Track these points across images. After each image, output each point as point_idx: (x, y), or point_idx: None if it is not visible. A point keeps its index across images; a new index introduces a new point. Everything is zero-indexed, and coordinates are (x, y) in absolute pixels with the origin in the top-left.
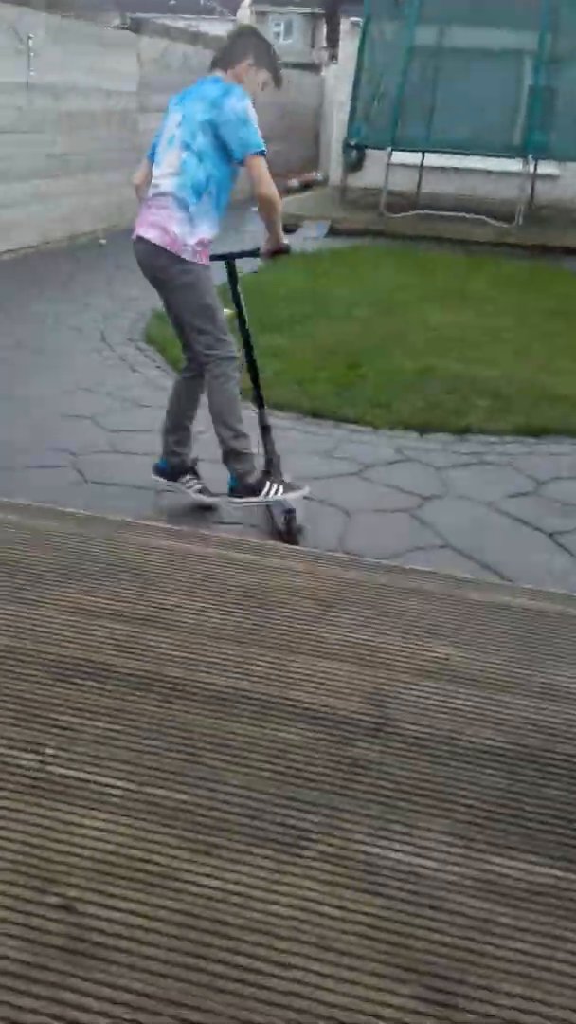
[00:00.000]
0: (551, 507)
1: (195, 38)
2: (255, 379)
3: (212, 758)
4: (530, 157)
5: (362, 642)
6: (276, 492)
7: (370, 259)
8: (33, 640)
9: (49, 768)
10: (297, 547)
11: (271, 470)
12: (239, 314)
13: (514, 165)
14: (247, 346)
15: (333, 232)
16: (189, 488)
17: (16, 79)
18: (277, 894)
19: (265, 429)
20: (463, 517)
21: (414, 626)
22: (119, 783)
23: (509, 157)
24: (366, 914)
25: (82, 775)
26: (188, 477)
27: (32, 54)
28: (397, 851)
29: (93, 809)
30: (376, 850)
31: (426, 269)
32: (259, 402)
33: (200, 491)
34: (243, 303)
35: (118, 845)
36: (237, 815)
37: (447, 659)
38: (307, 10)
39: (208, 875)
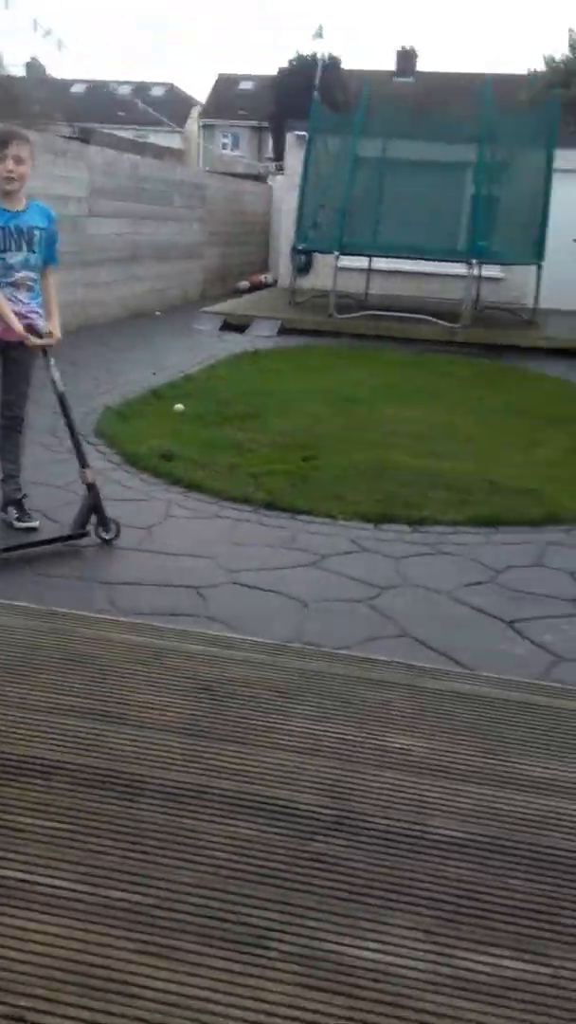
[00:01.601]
0: (508, 595)
1: (143, 148)
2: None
3: (169, 856)
4: (474, 261)
5: (322, 733)
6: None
7: (321, 357)
8: None
9: None
10: (256, 639)
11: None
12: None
13: (459, 268)
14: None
15: (284, 331)
16: (12, 517)
17: None
18: (238, 997)
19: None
20: (420, 606)
21: (373, 716)
22: (72, 885)
23: (454, 261)
24: (331, 1015)
25: (31, 878)
26: (10, 508)
27: None
28: (362, 948)
29: (45, 913)
30: (340, 948)
31: (375, 367)
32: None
33: (18, 519)
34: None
35: (71, 951)
36: (195, 915)
37: (408, 750)
38: (253, 123)
39: (165, 979)
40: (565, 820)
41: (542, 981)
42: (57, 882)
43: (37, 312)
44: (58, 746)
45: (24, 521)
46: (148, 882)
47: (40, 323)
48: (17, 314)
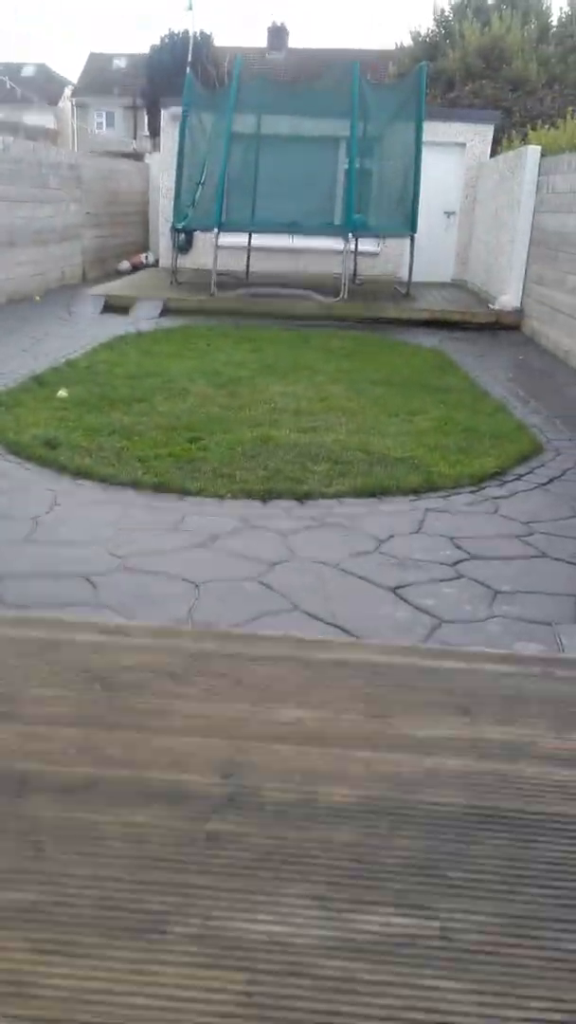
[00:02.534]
0: (391, 563)
1: (15, 129)
2: None
3: (61, 851)
4: (350, 235)
5: (215, 713)
6: None
7: (204, 337)
8: None
9: None
10: (147, 624)
11: None
12: None
13: (336, 243)
14: None
15: (166, 312)
16: None
17: None
18: (139, 985)
19: None
20: (309, 579)
21: (265, 692)
22: None
23: (331, 236)
24: (230, 992)
25: None
26: None
27: None
28: (258, 922)
29: None
30: (237, 924)
31: (259, 344)
32: None
33: None
34: None
35: None
36: (92, 908)
37: (298, 721)
38: (127, 102)
39: (65, 976)
40: (447, 776)
41: (429, 934)
42: None
43: None
44: None
45: None
46: (43, 879)
47: None
48: None
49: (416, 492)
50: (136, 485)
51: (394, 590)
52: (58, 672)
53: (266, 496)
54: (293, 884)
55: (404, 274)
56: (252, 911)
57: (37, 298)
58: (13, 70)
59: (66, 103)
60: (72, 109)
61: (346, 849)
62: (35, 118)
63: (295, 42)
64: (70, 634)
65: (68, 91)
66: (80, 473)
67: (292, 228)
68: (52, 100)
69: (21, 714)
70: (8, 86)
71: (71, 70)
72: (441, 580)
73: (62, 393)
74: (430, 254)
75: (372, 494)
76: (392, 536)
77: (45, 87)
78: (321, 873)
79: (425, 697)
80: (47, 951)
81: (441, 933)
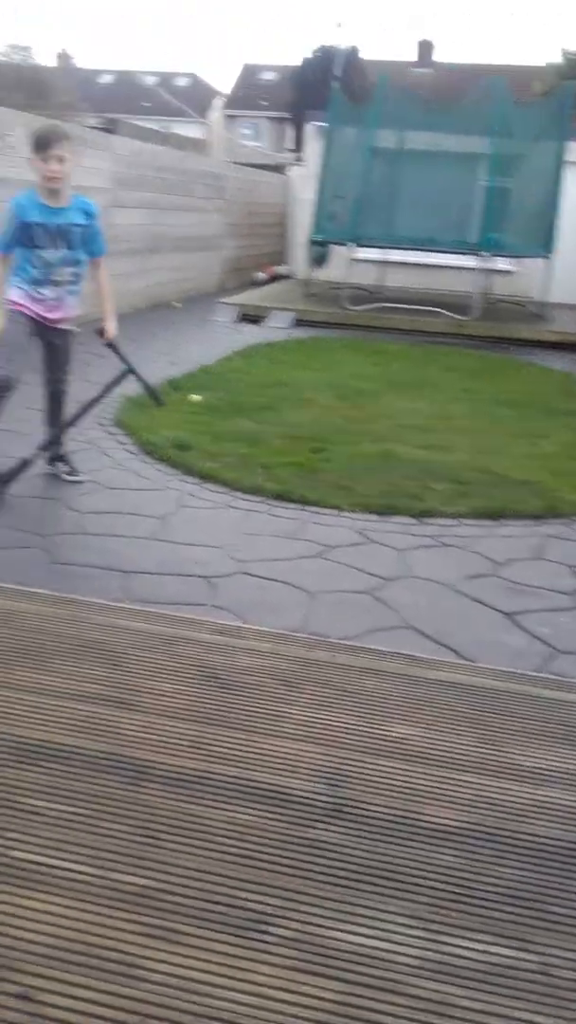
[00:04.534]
0: (508, 588)
1: (166, 138)
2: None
3: (172, 841)
4: (485, 253)
5: (323, 722)
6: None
7: (333, 349)
8: None
9: (12, 853)
10: (262, 628)
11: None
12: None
13: (471, 261)
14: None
15: (298, 323)
16: (61, 470)
17: None
18: (236, 980)
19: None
20: (423, 598)
21: (373, 706)
22: (81, 868)
23: (465, 253)
24: (325, 1000)
25: (44, 860)
26: (60, 464)
27: (10, 151)
28: (356, 934)
29: (55, 895)
30: (335, 933)
31: (386, 359)
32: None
33: (67, 473)
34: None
35: (78, 931)
36: (196, 899)
37: (405, 739)
38: (274, 114)
39: (167, 962)
40: (557, 810)
41: (529, 968)
42: (67, 864)
43: (61, 304)
44: (72, 731)
45: (74, 475)
46: (153, 866)
47: (58, 314)
48: (39, 302)
49: (537, 517)
50: (259, 491)
51: (509, 616)
52: (177, 668)
53: (384, 511)
54: (393, 901)
55: (539, 294)
56: (351, 923)
57: (176, 304)
58: (167, 80)
59: (216, 114)
60: (221, 119)
61: (448, 872)
62: (186, 128)
63: (442, 56)
64: (190, 632)
65: (218, 102)
66: (207, 476)
67: (428, 244)
68: (202, 111)
69: (140, 704)
70: (164, 97)
71: (223, 81)
72: (559, 609)
73: (195, 398)
74: (568, 275)
75: (492, 516)
76: (510, 560)
77: (197, 97)
78: (422, 893)
79: (537, 727)
80: (153, 935)
81: (540, 968)
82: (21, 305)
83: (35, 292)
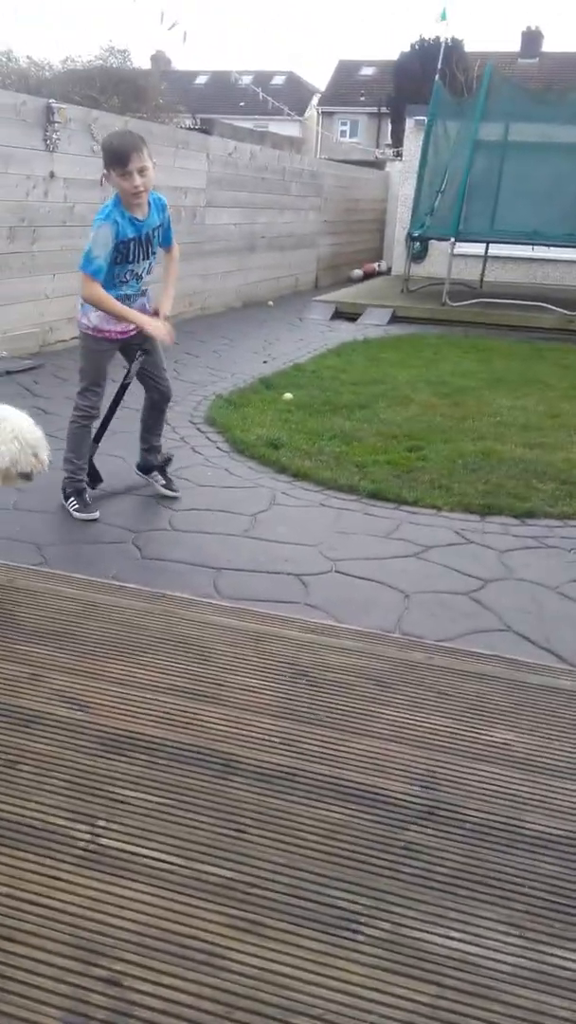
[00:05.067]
0: None
1: (262, 137)
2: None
3: (260, 836)
4: None
5: (418, 723)
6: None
7: (432, 346)
8: (87, 712)
9: (100, 840)
10: (354, 627)
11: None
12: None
13: None
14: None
15: (395, 320)
16: (156, 482)
17: (91, 176)
18: (324, 977)
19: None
20: (524, 601)
21: (472, 709)
22: (167, 857)
23: (573, 246)
24: (417, 1002)
25: (131, 848)
26: (155, 474)
27: None
28: (450, 938)
29: (141, 883)
30: (428, 936)
31: (488, 355)
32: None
33: (164, 486)
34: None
35: (165, 920)
36: (284, 894)
37: (504, 743)
38: (372, 109)
39: (253, 955)
40: None
41: None
42: (155, 854)
43: (145, 309)
44: (160, 723)
45: (170, 489)
46: (239, 859)
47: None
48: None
49: None
50: (353, 490)
51: None
52: (267, 664)
53: (485, 511)
54: (490, 907)
55: None
56: (445, 927)
57: (270, 303)
58: (264, 79)
59: (312, 111)
60: (317, 117)
61: (548, 881)
62: (282, 126)
63: (550, 46)
64: (280, 629)
65: (315, 99)
66: (300, 475)
67: (533, 237)
68: (300, 108)
69: (229, 699)
70: (260, 96)
71: (320, 78)
72: None
73: (288, 396)
74: None
75: None
76: None
77: (293, 95)
78: (520, 901)
79: None
80: (239, 928)
81: None
82: (104, 332)
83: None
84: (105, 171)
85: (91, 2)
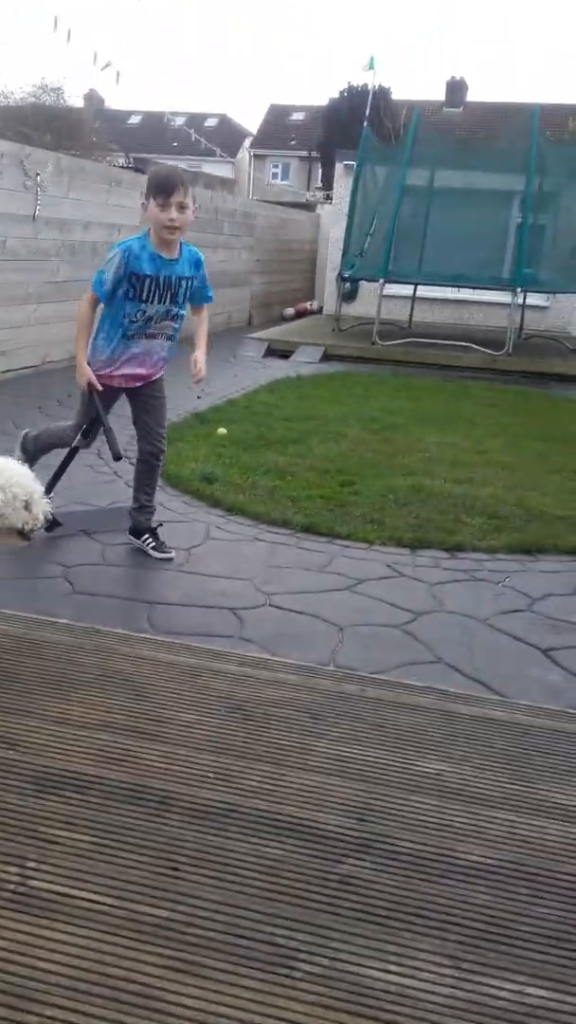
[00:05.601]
0: (544, 623)
1: (195, 177)
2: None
3: (197, 873)
4: (519, 289)
5: (353, 756)
6: None
7: (362, 383)
8: (18, 751)
9: (30, 882)
10: (288, 661)
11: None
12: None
13: (504, 296)
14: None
15: (327, 358)
16: (147, 545)
17: (23, 211)
18: (264, 1016)
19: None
20: (455, 632)
21: (405, 741)
22: (101, 898)
23: (499, 289)
24: None
25: (63, 889)
26: (147, 537)
27: (39, 190)
28: (387, 972)
29: (74, 925)
30: (365, 971)
31: (417, 393)
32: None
33: (154, 548)
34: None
35: (98, 963)
36: (221, 933)
37: (438, 774)
38: (303, 153)
39: (192, 996)
40: None
41: (565, 1010)
42: (88, 895)
43: (151, 358)
44: (94, 761)
45: (161, 551)
46: (176, 898)
47: (147, 370)
48: (127, 361)
49: (574, 553)
50: (287, 524)
51: (545, 652)
52: (202, 699)
53: (416, 545)
54: (426, 939)
55: (574, 330)
56: (382, 960)
57: None
58: (198, 121)
59: (245, 153)
60: (249, 159)
61: (482, 911)
62: (215, 167)
63: (474, 96)
64: (216, 663)
65: (247, 141)
66: (234, 509)
67: (459, 280)
68: (232, 150)
69: (166, 736)
70: (192, 138)
71: (251, 121)
72: None
73: (222, 431)
74: None
75: (528, 551)
76: (547, 596)
77: (226, 137)
78: (455, 932)
79: (573, 764)
80: (177, 968)
81: None
82: (101, 377)
83: (122, 349)
84: (144, 200)
85: (24, 39)
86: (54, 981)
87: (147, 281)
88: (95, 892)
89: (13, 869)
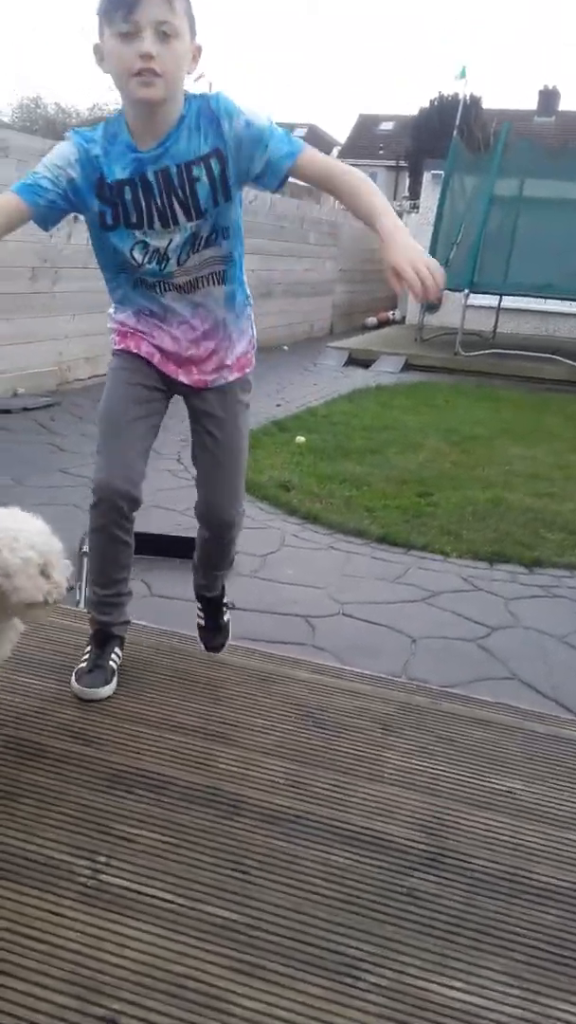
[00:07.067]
0: None
1: (283, 187)
2: None
3: (264, 878)
4: None
5: (424, 769)
6: None
7: (443, 394)
8: (93, 748)
9: (101, 876)
10: (361, 671)
11: None
12: None
13: None
14: None
15: (408, 367)
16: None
17: None
18: (326, 1022)
19: None
20: (531, 649)
21: (478, 756)
22: (169, 896)
23: None
24: None
25: (133, 886)
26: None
27: None
28: (451, 988)
29: (142, 921)
30: (431, 985)
31: (499, 405)
32: None
33: (200, 625)
34: None
35: (165, 960)
36: (286, 938)
37: (511, 792)
38: (391, 163)
39: (254, 998)
40: None
41: None
42: (157, 892)
43: (200, 344)
44: (168, 761)
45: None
46: (242, 901)
47: (197, 368)
48: (157, 347)
49: None
50: (362, 534)
51: None
52: (274, 705)
53: (493, 558)
54: (492, 957)
55: None
56: (447, 975)
57: (285, 348)
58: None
59: None
60: None
61: (552, 932)
62: None
63: (567, 105)
64: (289, 670)
65: (335, 151)
66: (310, 517)
67: (545, 291)
68: None
69: (238, 739)
70: None
71: (340, 131)
72: None
73: (300, 439)
74: None
75: None
76: None
77: (314, 147)
78: (522, 952)
79: None
80: (240, 970)
81: None
82: (126, 327)
83: (146, 323)
84: (98, 39)
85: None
86: (121, 975)
87: (127, 190)
88: (164, 890)
89: (84, 863)
